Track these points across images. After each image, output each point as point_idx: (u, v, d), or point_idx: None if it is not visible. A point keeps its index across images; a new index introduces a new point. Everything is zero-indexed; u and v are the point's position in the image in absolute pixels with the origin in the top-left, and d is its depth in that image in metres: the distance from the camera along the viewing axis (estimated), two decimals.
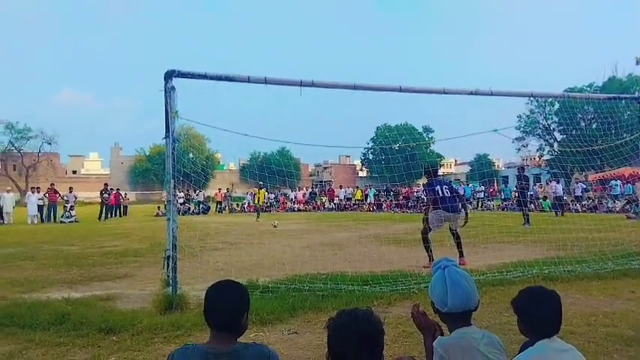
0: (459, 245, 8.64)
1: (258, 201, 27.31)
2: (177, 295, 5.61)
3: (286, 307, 5.39)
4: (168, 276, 5.86)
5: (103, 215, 26.52)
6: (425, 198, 9.89)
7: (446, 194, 8.53)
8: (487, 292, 6.17)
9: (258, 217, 24.66)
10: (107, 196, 27.32)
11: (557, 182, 24.12)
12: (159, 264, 7.01)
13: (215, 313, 2.03)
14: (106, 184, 28.63)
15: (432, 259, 8.14)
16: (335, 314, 1.81)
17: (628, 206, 22.19)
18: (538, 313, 2.19)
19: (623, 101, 12.89)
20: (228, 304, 2.02)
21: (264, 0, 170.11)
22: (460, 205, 8.91)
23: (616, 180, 25.20)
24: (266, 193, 29.67)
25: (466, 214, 8.97)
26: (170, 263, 5.78)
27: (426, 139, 58.16)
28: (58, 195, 25.15)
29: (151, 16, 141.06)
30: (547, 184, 32.05)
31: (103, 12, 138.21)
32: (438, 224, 8.64)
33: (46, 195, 24.97)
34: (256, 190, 27.85)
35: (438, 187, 8.59)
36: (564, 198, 23.57)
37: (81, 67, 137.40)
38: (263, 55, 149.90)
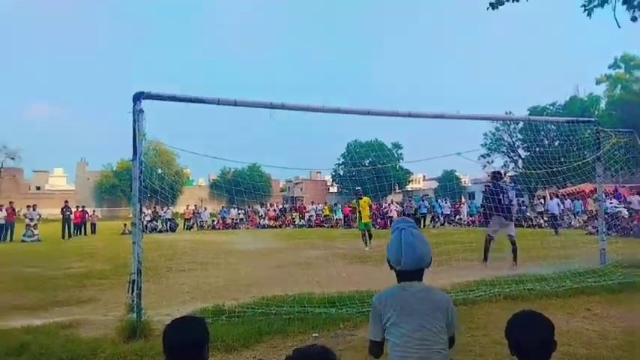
0: (513, 251, 9.85)
1: (360, 216, 15.75)
2: (142, 321, 5.54)
3: (252, 332, 5.39)
4: (132, 301, 5.78)
5: (67, 234, 25.81)
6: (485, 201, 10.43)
7: (504, 202, 9.65)
8: None
9: (368, 241, 15.29)
10: (69, 214, 26.55)
11: (552, 199, 23.58)
12: (124, 286, 6.88)
13: (172, 353, 2.09)
14: (66, 202, 27.76)
15: (486, 260, 9.99)
16: (291, 353, 1.87)
17: (589, 222, 22.87)
18: (527, 340, 2.20)
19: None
20: (185, 344, 2.09)
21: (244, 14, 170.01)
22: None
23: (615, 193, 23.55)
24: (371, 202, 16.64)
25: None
26: (135, 288, 5.71)
27: (395, 155, 58.99)
28: (15, 213, 24.36)
29: (125, 27, 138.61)
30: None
31: (74, 22, 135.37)
32: (495, 229, 9.90)
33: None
34: (353, 202, 17.22)
35: (501, 195, 9.73)
36: (558, 215, 23.11)
37: (49, 79, 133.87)
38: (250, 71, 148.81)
